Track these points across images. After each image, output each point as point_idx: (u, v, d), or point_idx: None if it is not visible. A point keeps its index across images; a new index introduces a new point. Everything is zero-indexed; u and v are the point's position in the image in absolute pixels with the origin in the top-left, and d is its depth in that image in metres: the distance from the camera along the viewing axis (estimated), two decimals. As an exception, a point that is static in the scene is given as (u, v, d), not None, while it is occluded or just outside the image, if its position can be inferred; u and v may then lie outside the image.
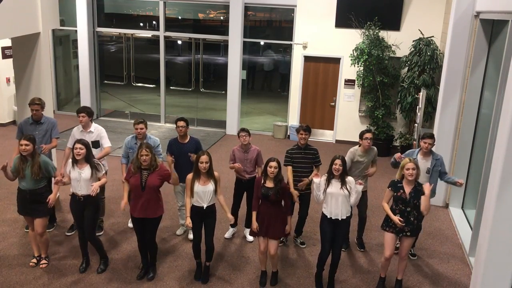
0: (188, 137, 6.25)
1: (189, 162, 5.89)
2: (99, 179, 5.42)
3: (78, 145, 5.28)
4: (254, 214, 5.39)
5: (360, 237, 6.51)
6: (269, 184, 5.27)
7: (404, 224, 5.19)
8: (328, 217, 5.27)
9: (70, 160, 5.43)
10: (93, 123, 6.36)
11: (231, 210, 6.50)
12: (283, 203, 5.40)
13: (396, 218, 5.19)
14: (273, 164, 5.24)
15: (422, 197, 5.19)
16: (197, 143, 6.24)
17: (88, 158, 5.36)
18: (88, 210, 5.41)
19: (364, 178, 6.16)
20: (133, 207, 5.34)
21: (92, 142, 5.91)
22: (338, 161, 5.19)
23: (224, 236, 6.58)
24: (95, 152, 5.97)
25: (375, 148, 6.26)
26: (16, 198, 5.56)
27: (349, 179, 5.31)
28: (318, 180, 5.30)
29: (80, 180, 5.32)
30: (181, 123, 6.12)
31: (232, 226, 6.65)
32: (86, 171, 5.33)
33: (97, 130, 6.30)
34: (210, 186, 5.25)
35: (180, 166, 6.02)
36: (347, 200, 5.25)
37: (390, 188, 5.31)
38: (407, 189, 5.20)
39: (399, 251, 5.43)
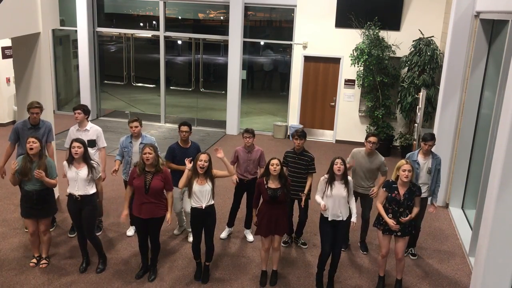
0: (190, 141, 6.20)
1: None
2: (94, 180, 5.42)
3: (75, 144, 5.27)
4: (254, 210, 5.53)
5: (363, 240, 6.49)
6: (273, 184, 5.27)
7: (398, 226, 5.23)
8: (329, 219, 5.28)
9: (64, 162, 5.44)
10: (89, 122, 6.37)
11: (231, 209, 6.51)
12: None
13: (391, 222, 5.19)
14: (275, 161, 5.25)
15: (414, 209, 5.25)
16: (198, 148, 6.17)
17: (86, 157, 5.36)
18: (86, 209, 5.40)
19: (371, 180, 6.12)
20: (136, 208, 5.34)
21: (88, 141, 5.87)
22: (338, 161, 5.20)
23: (220, 237, 6.51)
24: (91, 151, 5.95)
25: (382, 158, 6.09)
26: (20, 200, 5.50)
27: (349, 179, 5.33)
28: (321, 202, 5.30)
29: (77, 179, 5.32)
30: (185, 128, 6.03)
31: (229, 225, 6.63)
32: (84, 170, 5.33)
33: (93, 129, 6.31)
34: (207, 186, 5.25)
35: (182, 171, 5.94)
36: (346, 202, 5.26)
37: (384, 189, 5.31)
38: (402, 190, 5.21)
39: (394, 252, 5.42)
